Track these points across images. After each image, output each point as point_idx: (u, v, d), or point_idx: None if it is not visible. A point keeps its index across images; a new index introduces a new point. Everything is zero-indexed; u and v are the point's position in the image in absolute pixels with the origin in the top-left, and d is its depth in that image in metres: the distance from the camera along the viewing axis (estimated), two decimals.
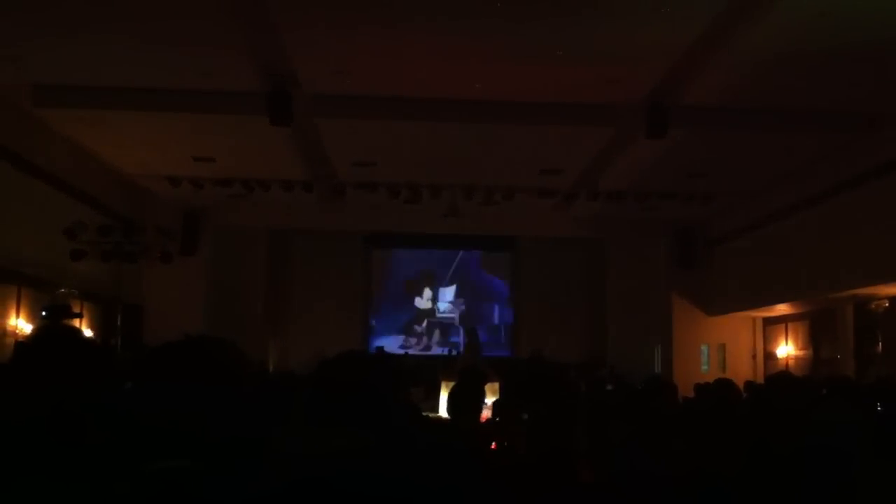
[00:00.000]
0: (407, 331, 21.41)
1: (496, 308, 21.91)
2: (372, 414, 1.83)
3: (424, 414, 6.10)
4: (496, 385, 10.72)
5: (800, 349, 16.85)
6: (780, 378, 4.43)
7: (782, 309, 16.82)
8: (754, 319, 18.46)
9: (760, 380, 14.32)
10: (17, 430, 1.99)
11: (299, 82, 10.99)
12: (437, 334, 21.54)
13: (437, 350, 20.93)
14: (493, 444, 5.65)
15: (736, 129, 12.25)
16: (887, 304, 13.67)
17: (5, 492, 1.77)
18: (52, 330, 2.41)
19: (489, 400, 10.44)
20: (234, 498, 1.73)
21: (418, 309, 21.74)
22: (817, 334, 16.08)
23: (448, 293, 21.68)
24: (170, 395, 1.83)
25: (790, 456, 3.59)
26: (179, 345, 1.95)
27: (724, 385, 6.06)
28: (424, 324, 21.56)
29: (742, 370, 17.19)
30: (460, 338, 20.00)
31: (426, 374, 13.14)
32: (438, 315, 21.65)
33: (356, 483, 1.68)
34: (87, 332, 14.05)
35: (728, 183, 15.17)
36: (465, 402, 6.13)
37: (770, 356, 17.99)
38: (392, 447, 1.77)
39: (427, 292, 21.77)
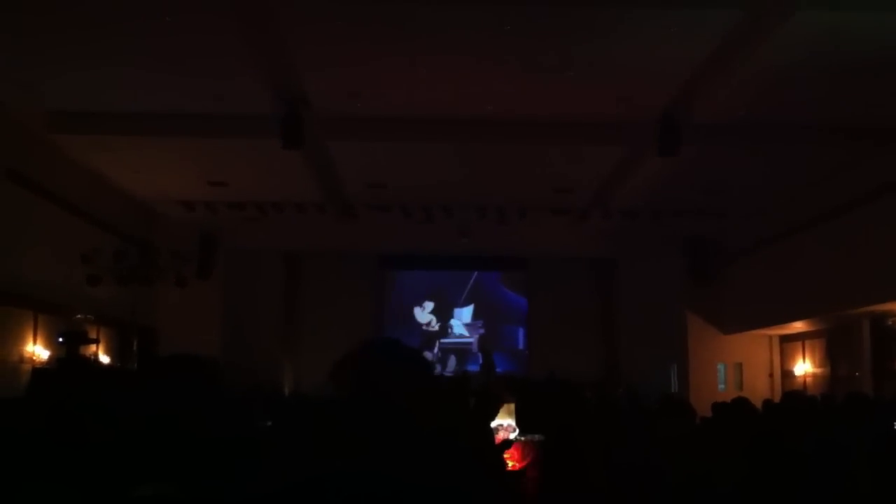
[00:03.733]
0: None
1: (520, 332, 20.70)
2: (374, 414, 1.81)
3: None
4: (511, 406, 10.68)
5: (817, 367, 16.70)
6: (793, 396, 4.40)
7: (799, 326, 16.69)
8: (771, 337, 18.32)
9: (778, 398, 14.19)
10: (21, 435, 1.99)
11: (311, 104, 11.06)
12: (452, 361, 20.31)
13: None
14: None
15: (748, 146, 12.21)
16: None
17: (12, 495, 1.77)
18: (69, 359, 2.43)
19: (505, 422, 10.43)
20: (233, 498, 1.72)
21: (424, 330, 20.30)
22: (834, 351, 15.93)
23: (464, 314, 20.64)
24: (169, 396, 1.82)
25: (796, 466, 3.56)
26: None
27: (742, 404, 6.03)
28: (436, 348, 20.41)
29: (759, 388, 17.05)
30: (478, 367, 18.60)
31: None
32: (451, 337, 20.49)
33: (356, 483, 1.67)
34: (104, 358, 14.10)
35: (741, 199, 15.11)
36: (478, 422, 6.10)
37: (787, 374, 17.84)
38: (393, 447, 1.76)
39: (428, 304, 20.52)
